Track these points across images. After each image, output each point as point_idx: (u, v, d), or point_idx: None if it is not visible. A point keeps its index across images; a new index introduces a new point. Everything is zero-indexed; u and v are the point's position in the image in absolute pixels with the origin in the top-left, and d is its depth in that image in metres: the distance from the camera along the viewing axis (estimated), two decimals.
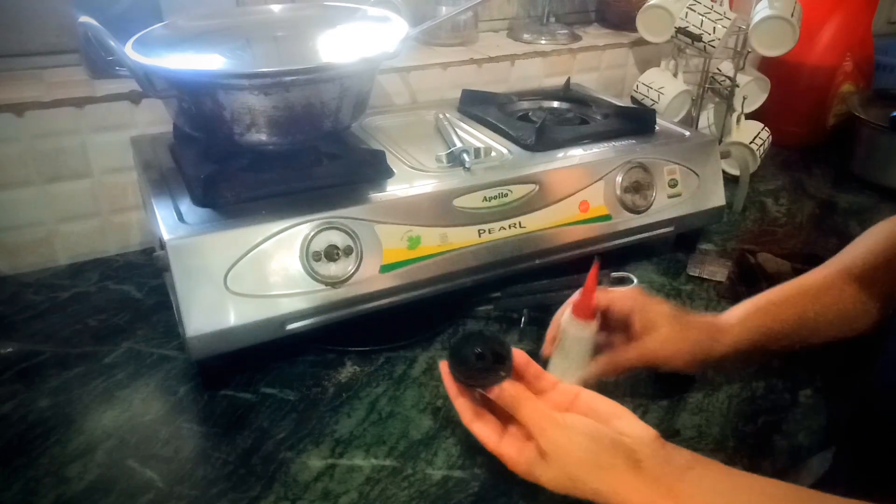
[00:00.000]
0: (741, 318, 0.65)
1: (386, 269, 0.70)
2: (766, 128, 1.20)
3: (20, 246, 0.87)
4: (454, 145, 0.82)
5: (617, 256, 0.86)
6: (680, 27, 1.09)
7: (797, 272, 0.78)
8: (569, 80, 1.11)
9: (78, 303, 0.82)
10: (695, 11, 1.08)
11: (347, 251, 0.68)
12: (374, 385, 0.69)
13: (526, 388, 0.53)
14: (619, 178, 0.83)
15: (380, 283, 0.70)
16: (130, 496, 0.56)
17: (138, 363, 0.72)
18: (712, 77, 1.17)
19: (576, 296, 0.62)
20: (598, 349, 0.64)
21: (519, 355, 0.55)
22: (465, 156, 0.78)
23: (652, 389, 0.68)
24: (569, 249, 0.81)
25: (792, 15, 1.06)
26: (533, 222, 0.78)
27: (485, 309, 0.80)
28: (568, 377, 0.61)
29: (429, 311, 0.76)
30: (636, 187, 0.84)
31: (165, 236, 0.63)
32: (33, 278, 0.87)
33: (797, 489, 0.47)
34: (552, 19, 1.23)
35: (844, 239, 0.74)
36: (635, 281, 0.82)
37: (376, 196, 0.72)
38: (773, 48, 1.08)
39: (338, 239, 0.68)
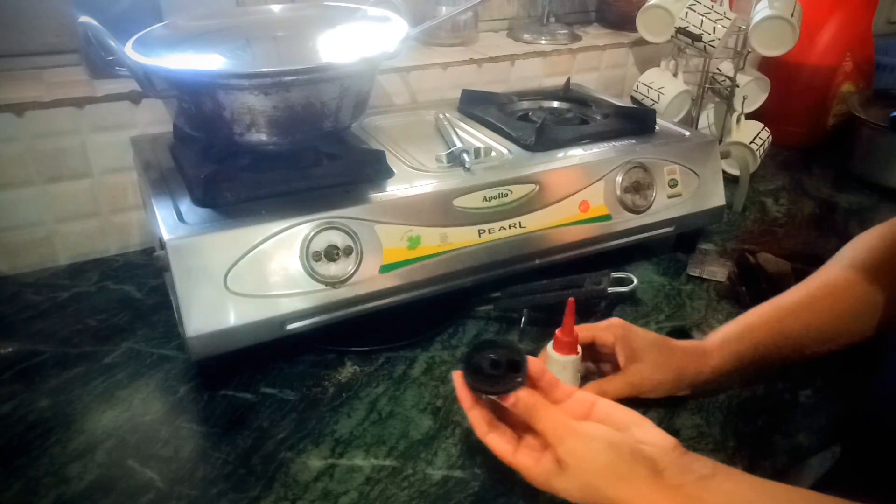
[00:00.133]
0: (724, 341, 0.66)
1: (386, 269, 0.70)
2: (766, 128, 1.20)
3: (20, 246, 0.87)
4: (454, 145, 0.82)
5: (617, 256, 0.86)
6: (680, 27, 1.09)
7: (797, 272, 0.78)
8: (569, 80, 1.10)
9: (78, 303, 0.82)
10: (695, 11, 1.08)
11: (347, 251, 0.68)
12: (374, 385, 0.69)
13: (543, 397, 0.52)
14: (619, 178, 0.83)
15: (380, 283, 0.70)
16: (130, 496, 0.56)
17: (138, 363, 0.72)
18: (712, 77, 1.17)
19: (557, 331, 0.62)
20: (588, 377, 0.66)
21: (534, 363, 0.54)
22: (465, 156, 0.78)
23: None
24: (569, 249, 0.81)
25: (792, 15, 1.06)
26: (533, 222, 0.78)
27: (485, 309, 0.80)
28: None
29: (429, 311, 0.76)
30: (636, 187, 0.84)
31: (165, 236, 0.63)
32: (33, 278, 0.87)
33: (819, 497, 0.47)
34: (552, 19, 1.23)
35: (844, 239, 0.74)
36: (635, 281, 0.82)
37: (376, 196, 0.72)
38: (773, 48, 1.08)
39: (338, 239, 0.68)
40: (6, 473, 0.58)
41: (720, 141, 1.17)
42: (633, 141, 0.89)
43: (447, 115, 0.96)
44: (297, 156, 0.77)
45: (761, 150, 1.16)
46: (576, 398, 0.54)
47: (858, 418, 0.68)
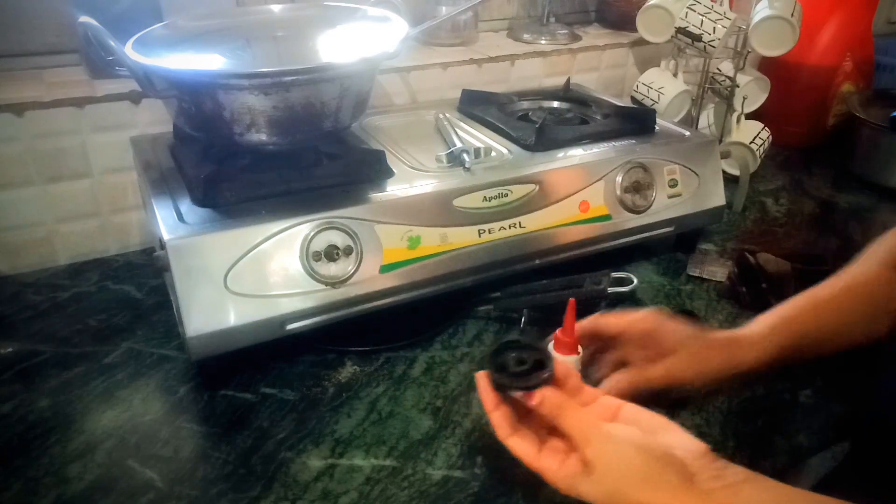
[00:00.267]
0: (766, 331, 0.63)
1: (386, 269, 0.70)
2: (766, 128, 1.20)
3: (20, 246, 0.87)
4: (454, 145, 0.82)
5: (617, 256, 0.86)
6: (680, 27, 1.09)
7: (797, 272, 0.78)
8: (569, 80, 1.10)
9: (78, 303, 0.82)
10: (695, 11, 1.08)
11: (347, 251, 0.68)
12: (374, 385, 0.69)
13: (569, 398, 0.51)
14: (619, 178, 0.83)
15: (380, 283, 0.70)
16: (130, 496, 0.56)
17: (138, 363, 0.72)
18: (712, 77, 1.17)
19: (558, 331, 0.62)
20: (614, 367, 0.63)
21: (560, 365, 0.52)
22: (465, 156, 0.78)
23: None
24: (569, 249, 0.81)
25: (792, 15, 1.06)
26: (533, 222, 0.78)
27: (485, 309, 0.80)
28: None
29: (429, 311, 0.76)
30: (636, 187, 0.84)
31: (165, 236, 0.63)
32: (33, 278, 0.87)
33: None
34: (552, 19, 1.23)
35: (845, 239, 0.74)
36: (635, 281, 0.82)
37: (376, 196, 0.72)
38: (773, 48, 1.08)
39: (338, 239, 0.68)
40: (6, 473, 0.58)
41: (720, 141, 1.17)
42: (633, 141, 0.89)
43: (447, 115, 0.96)
44: (297, 156, 0.77)
45: (761, 150, 1.16)
46: (601, 402, 0.53)
47: (861, 418, 0.67)
